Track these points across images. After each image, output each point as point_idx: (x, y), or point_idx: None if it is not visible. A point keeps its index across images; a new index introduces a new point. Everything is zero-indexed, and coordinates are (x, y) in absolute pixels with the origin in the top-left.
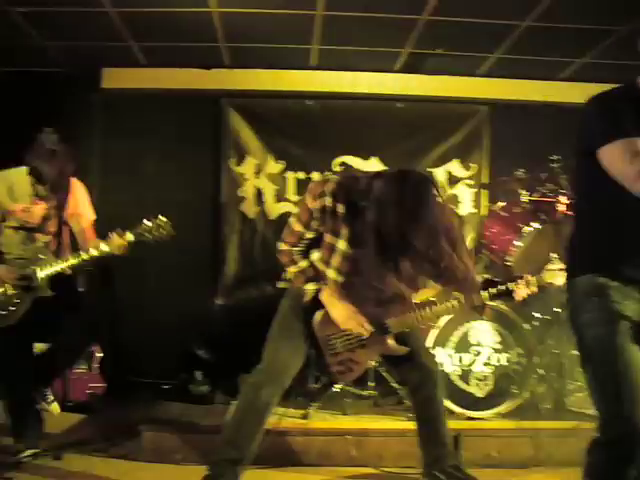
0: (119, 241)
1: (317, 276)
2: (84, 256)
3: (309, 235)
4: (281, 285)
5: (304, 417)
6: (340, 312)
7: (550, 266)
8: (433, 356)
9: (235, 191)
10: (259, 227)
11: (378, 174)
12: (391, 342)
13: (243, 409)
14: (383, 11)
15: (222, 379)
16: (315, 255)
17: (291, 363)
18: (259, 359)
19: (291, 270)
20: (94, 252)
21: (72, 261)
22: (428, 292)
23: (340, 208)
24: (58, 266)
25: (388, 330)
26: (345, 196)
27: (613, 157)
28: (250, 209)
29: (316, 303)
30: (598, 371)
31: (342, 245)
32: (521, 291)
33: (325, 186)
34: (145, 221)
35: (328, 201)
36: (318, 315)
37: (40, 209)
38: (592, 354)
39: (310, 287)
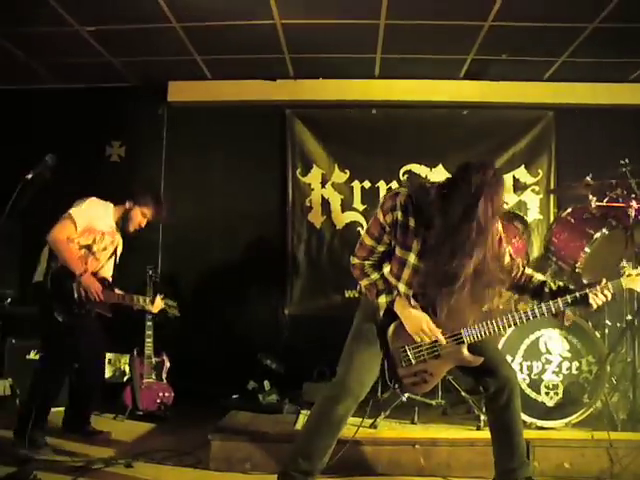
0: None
1: (389, 288)
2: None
3: (381, 249)
4: (349, 294)
5: (373, 426)
6: (414, 322)
7: (629, 271)
8: (509, 364)
9: (302, 201)
10: (326, 236)
11: (446, 184)
12: (466, 352)
13: (317, 422)
14: (446, 18)
15: (290, 388)
16: (386, 269)
17: (367, 377)
18: (328, 369)
19: (363, 283)
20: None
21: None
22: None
23: (411, 222)
24: None
25: (462, 340)
26: (415, 209)
27: None
28: (317, 219)
29: (390, 316)
30: None
31: (413, 259)
32: (598, 298)
33: (396, 199)
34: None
35: (399, 215)
36: (392, 327)
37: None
38: None
39: (383, 299)
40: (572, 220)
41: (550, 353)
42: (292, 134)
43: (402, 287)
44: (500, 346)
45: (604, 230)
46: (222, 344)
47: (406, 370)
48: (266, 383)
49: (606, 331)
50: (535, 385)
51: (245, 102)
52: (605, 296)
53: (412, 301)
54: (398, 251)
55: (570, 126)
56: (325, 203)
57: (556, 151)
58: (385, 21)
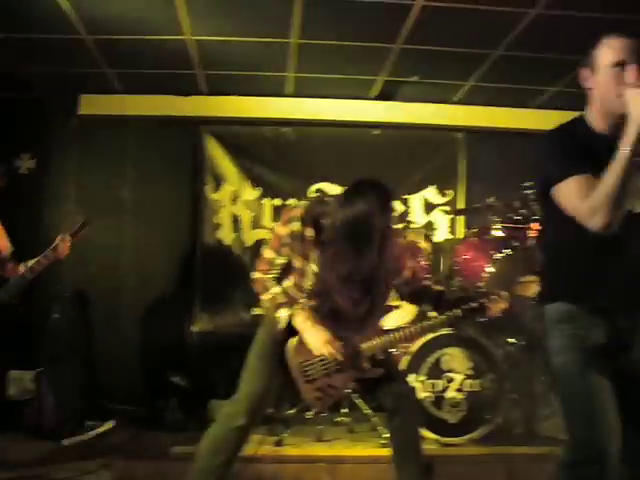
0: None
1: (290, 302)
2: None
3: (280, 261)
4: (256, 312)
5: (278, 444)
6: (314, 337)
7: (521, 279)
8: (408, 384)
9: (212, 218)
10: (235, 254)
11: (342, 197)
12: (366, 365)
13: (217, 439)
14: (357, 39)
15: (197, 406)
16: (288, 282)
17: (267, 393)
18: (235, 387)
19: (264, 298)
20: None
21: None
22: (403, 314)
23: (308, 232)
24: None
25: (363, 353)
26: (313, 220)
27: (566, 194)
28: (227, 236)
29: (291, 331)
30: (565, 396)
31: (313, 268)
32: (494, 306)
33: (293, 212)
34: None
35: (296, 226)
36: (291, 342)
37: None
38: (560, 379)
39: (283, 314)
40: (476, 240)
41: (453, 371)
42: (203, 150)
43: (304, 298)
44: (404, 364)
45: (506, 251)
46: (129, 361)
47: (308, 385)
48: (172, 400)
49: (508, 349)
50: (438, 402)
51: (157, 117)
52: (501, 305)
53: (313, 314)
54: (298, 262)
55: (480, 148)
56: (235, 220)
57: (466, 172)
58: (297, 40)
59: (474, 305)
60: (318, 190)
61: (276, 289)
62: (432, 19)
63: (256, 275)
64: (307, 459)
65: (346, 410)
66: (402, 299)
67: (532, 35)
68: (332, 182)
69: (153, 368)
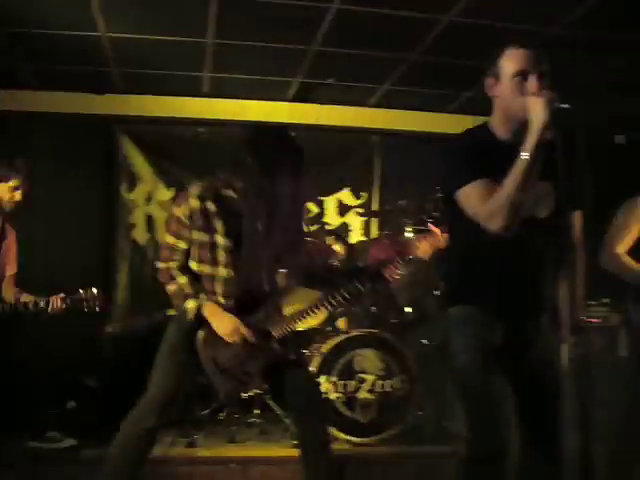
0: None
1: (198, 292)
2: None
3: (182, 246)
4: (170, 312)
5: (190, 445)
6: (225, 325)
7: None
8: (317, 384)
9: (126, 218)
10: (149, 254)
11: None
12: (276, 346)
13: (126, 441)
14: (274, 41)
15: (112, 408)
16: (194, 263)
17: (176, 393)
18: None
19: (171, 289)
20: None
21: None
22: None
23: (209, 205)
24: None
25: (272, 336)
26: (212, 193)
27: (468, 198)
28: (140, 236)
29: (200, 322)
30: (465, 395)
31: (221, 239)
32: (392, 272)
33: (189, 191)
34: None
35: (194, 203)
36: (201, 333)
37: None
38: (460, 379)
39: (191, 304)
40: (387, 242)
41: (364, 372)
42: (118, 150)
43: (221, 271)
44: (316, 365)
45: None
46: (42, 361)
47: (222, 376)
48: (85, 402)
49: (419, 350)
50: (350, 403)
51: (72, 115)
52: (397, 270)
53: (223, 300)
54: (203, 237)
55: (395, 151)
56: (149, 220)
57: (380, 175)
58: (213, 40)
59: (371, 274)
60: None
61: (182, 279)
62: (348, 22)
63: (160, 265)
64: (219, 460)
65: (258, 411)
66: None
67: (447, 41)
68: None
69: (65, 369)
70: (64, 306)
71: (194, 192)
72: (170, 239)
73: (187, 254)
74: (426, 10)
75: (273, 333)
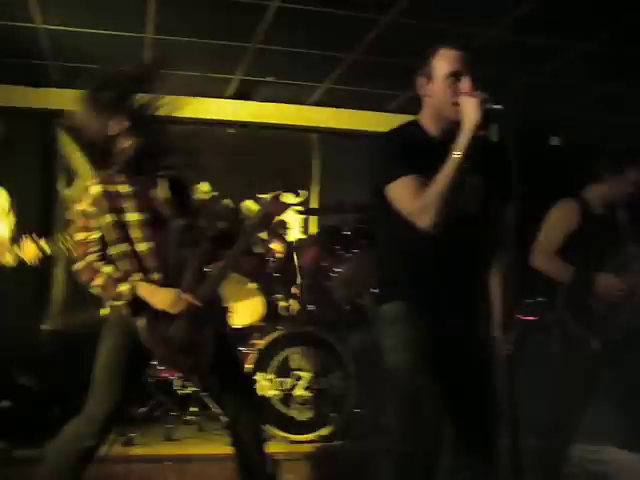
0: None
1: (126, 275)
2: None
3: (95, 235)
4: (103, 312)
5: (127, 443)
6: (165, 298)
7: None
8: (252, 382)
9: (64, 214)
10: None
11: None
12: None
13: (62, 459)
14: (213, 37)
15: (49, 407)
16: (112, 248)
17: (121, 409)
18: (85, 390)
19: (98, 283)
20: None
21: None
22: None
23: (120, 188)
24: None
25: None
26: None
27: (398, 194)
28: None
29: (137, 311)
30: (394, 393)
31: (131, 216)
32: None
33: (85, 185)
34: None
35: (95, 190)
36: (142, 320)
37: None
38: (393, 378)
39: (124, 288)
40: (323, 240)
41: (301, 369)
42: (56, 145)
43: (142, 246)
44: (252, 362)
45: (354, 250)
46: None
47: (180, 356)
48: (21, 401)
49: (354, 346)
50: (286, 400)
51: (8, 108)
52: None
53: (152, 274)
54: (114, 217)
55: (334, 150)
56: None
57: (319, 173)
58: (153, 36)
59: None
60: None
61: (107, 268)
62: (288, 20)
63: (79, 265)
64: (155, 458)
65: (196, 409)
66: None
67: (386, 41)
68: (184, 180)
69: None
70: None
71: (94, 182)
72: (80, 235)
73: (102, 244)
74: (365, 10)
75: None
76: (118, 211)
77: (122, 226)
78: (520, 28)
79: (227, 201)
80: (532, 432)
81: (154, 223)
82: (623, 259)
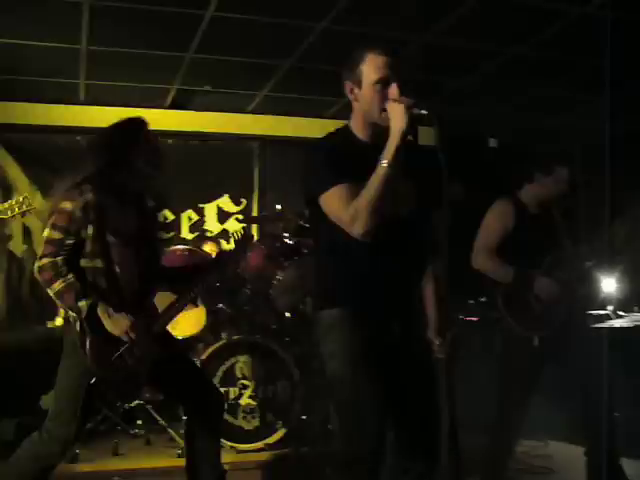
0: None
1: (87, 291)
2: None
3: (70, 240)
4: (51, 325)
5: (72, 460)
6: (119, 323)
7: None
8: (212, 388)
9: (2, 229)
10: (28, 265)
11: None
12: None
13: (24, 470)
14: (149, 47)
15: None
16: (85, 260)
17: (85, 414)
18: (31, 404)
19: (57, 287)
20: None
21: None
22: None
23: (104, 199)
24: None
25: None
26: (106, 190)
27: (330, 202)
28: (18, 247)
29: (90, 326)
30: (336, 399)
31: (112, 235)
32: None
33: (82, 186)
34: None
35: (91, 197)
36: (90, 340)
37: None
38: (334, 384)
39: (83, 304)
40: (264, 248)
41: (246, 378)
42: None
43: (112, 266)
44: None
45: (295, 257)
46: None
47: (129, 377)
48: None
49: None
50: (233, 410)
51: None
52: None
53: (114, 296)
54: (96, 231)
55: (274, 157)
56: (26, 231)
57: (260, 181)
58: (87, 47)
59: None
60: None
61: (71, 275)
62: (223, 29)
63: (43, 261)
64: (103, 474)
65: (141, 422)
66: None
67: (322, 48)
68: None
69: None
70: None
71: (89, 186)
72: (56, 234)
73: (73, 250)
74: (300, 17)
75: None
76: (102, 225)
77: (102, 242)
78: (456, 32)
79: (166, 212)
80: (478, 430)
81: (129, 245)
82: (559, 257)
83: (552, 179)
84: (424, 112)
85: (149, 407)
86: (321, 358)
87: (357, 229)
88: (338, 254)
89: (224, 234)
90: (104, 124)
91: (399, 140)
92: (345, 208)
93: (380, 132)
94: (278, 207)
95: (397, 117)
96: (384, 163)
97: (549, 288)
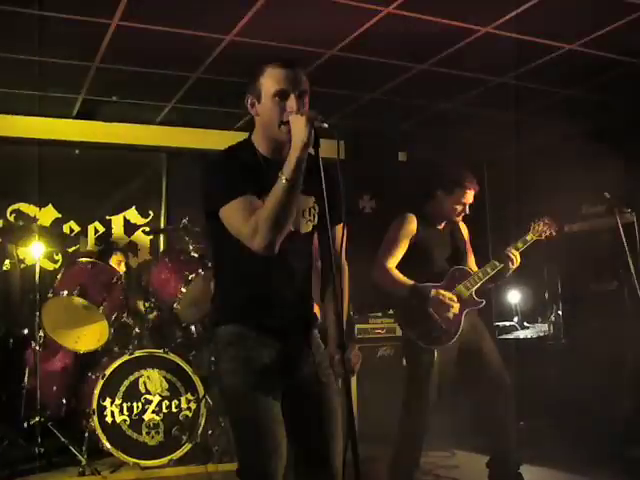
0: None
1: None
2: None
3: None
4: None
5: None
6: None
7: None
8: None
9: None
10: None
11: None
12: None
13: None
14: (54, 56)
15: None
16: None
17: None
18: None
19: None
20: None
21: None
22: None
23: None
24: None
25: None
26: None
27: (230, 216)
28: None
29: None
30: (233, 418)
31: None
32: None
33: None
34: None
35: None
36: None
37: None
38: (230, 402)
39: None
40: (169, 261)
41: (150, 393)
42: None
43: None
44: (99, 388)
45: (200, 270)
46: None
47: None
48: None
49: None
50: (136, 425)
51: None
52: None
53: None
54: None
55: (181, 169)
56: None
57: (167, 193)
58: None
59: None
60: (15, 211)
61: None
62: (128, 39)
63: None
64: None
65: (44, 440)
66: None
67: (229, 60)
68: (30, 203)
69: None
70: None
71: None
72: None
73: None
74: (207, 29)
75: None
76: None
77: None
78: (358, 48)
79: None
80: (383, 442)
81: None
82: (461, 271)
83: (452, 197)
84: (325, 125)
85: (50, 424)
86: (216, 376)
87: (257, 243)
88: (235, 269)
89: (131, 246)
90: (5, 133)
91: (299, 153)
92: (245, 221)
93: (281, 147)
94: (184, 220)
95: (297, 129)
96: (283, 177)
97: (442, 300)
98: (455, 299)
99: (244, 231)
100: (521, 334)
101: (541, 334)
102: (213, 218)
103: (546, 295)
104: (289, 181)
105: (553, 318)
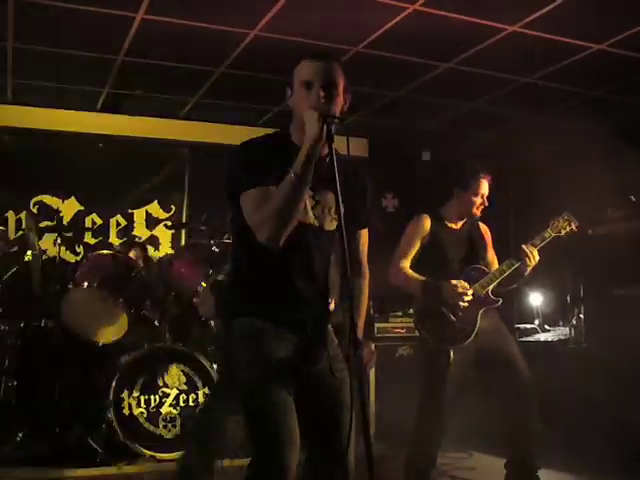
0: None
1: None
2: None
3: None
4: None
5: None
6: None
7: None
8: None
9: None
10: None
11: None
12: None
13: None
14: (79, 48)
15: None
16: None
17: None
18: None
19: None
20: None
21: None
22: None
23: None
24: None
25: None
26: None
27: (246, 204)
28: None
29: None
30: (248, 411)
31: None
32: None
33: None
34: None
35: None
36: None
37: None
38: (244, 395)
39: None
40: (189, 256)
41: (168, 386)
42: None
43: None
44: (115, 382)
45: (224, 266)
46: None
47: None
48: None
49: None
50: (153, 418)
51: None
52: None
53: None
54: None
55: (204, 164)
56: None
57: (189, 187)
58: (13, 44)
59: None
60: (39, 202)
61: None
62: (154, 33)
63: None
64: None
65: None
66: None
67: (255, 56)
68: (54, 195)
69: None
70: None
71: None
72: None
73: None
74: (232, 24)
75: None
76: None
77: None
78: (381, 46)
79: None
80: (401, 442)
81: None
82: (479, 269)
83: (467, 194)
84: (337, 121)
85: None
86: (231, 369)
87: (263, 234)
88: (256, 260)
89: (152, 240)
90: (32, 125)
91: (309, 148)
92: (256, 211)
93: None
94: (206, 215)
95: (309, 124)
96: (292, 172)
97: (456, 294)
98: (467, 286)
99: (253, 221)
100: (542, 337)
101: (562, 337)
102: (234, 204)
103: (568, 298)
104: (297, 176)
105: (575, 321)
